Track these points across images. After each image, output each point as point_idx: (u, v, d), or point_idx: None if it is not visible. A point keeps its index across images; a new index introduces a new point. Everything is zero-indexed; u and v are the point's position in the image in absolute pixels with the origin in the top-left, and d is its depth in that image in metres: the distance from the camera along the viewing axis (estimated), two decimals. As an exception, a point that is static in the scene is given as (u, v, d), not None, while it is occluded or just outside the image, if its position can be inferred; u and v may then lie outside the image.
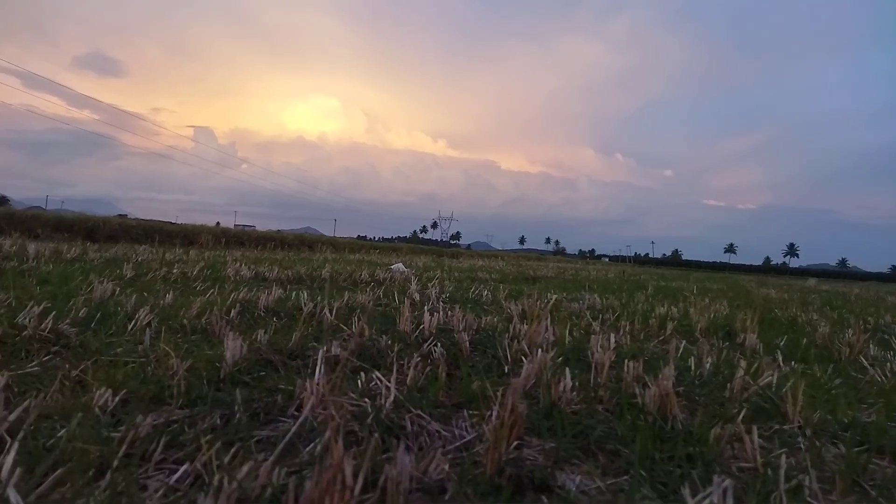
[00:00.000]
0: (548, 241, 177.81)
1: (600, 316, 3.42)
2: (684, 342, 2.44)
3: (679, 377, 1.81)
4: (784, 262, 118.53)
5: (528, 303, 3.63)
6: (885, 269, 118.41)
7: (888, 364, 2.44)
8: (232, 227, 21.97)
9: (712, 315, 3.66)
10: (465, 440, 1.17)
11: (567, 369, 1.52)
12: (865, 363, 2.28)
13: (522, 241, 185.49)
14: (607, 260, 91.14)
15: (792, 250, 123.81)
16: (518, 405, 1.12)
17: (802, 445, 1.28)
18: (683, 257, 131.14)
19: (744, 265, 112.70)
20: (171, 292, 3.03)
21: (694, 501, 0.85)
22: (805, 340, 2.94)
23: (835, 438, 1.37)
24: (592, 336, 2.07)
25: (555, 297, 4.60)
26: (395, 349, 1.93)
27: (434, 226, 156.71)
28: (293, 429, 1.12)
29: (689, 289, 8.64)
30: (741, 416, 1.36)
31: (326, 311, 2.71)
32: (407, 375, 1.55)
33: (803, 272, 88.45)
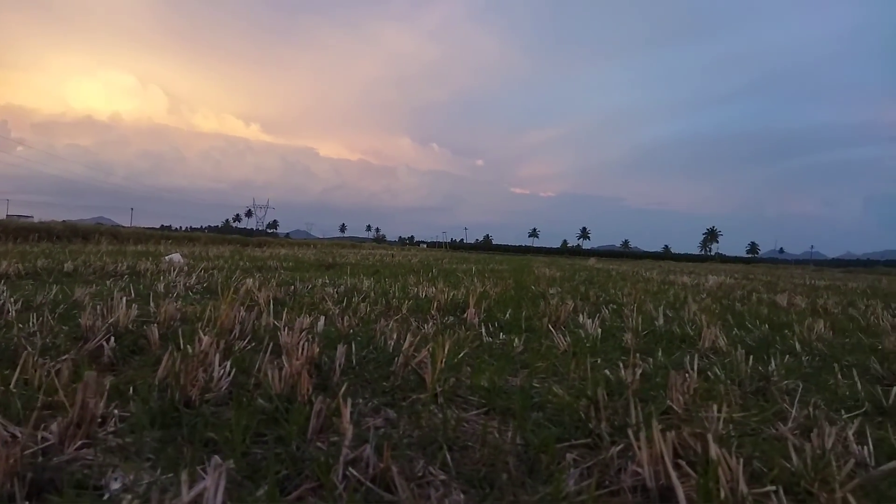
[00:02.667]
0: (368, 228, 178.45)
1: (345, 299, 3.44)
2: (392, 321, 2.51)
3: (364, 356, 1.84)
4: (578, 245, 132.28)
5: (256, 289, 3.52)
6: (659, 248, 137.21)
7: (580, 331, 2.75)
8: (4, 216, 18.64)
9: (458, 294, 3.86)
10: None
11: (217, 355, 1.45)
12: (553, 332, 2.53)
13: (343, 228, 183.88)
14: (425, 246, 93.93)
15: (584, 234, 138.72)
16: (89, 401, 1.01)
17: (424, 411, 1.34)
18: (494, 242, 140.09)
19: (545, 248, 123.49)
20: None
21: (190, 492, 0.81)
22: (524, 313, 3.22)
23: (465, 403, 1.47)
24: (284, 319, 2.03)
25: (319, 281, 4.55)
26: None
27: (248, 214, 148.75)
28: None
29: (477, 270, 9.20)
30: (389, 389, 1.40)
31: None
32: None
33: (593, 253, 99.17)
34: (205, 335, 1.83)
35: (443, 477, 1.01)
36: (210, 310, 2.32)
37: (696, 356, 2.28)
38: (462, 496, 0.96)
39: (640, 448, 0.95)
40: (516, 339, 2.41)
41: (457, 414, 1.37)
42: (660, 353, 2.35)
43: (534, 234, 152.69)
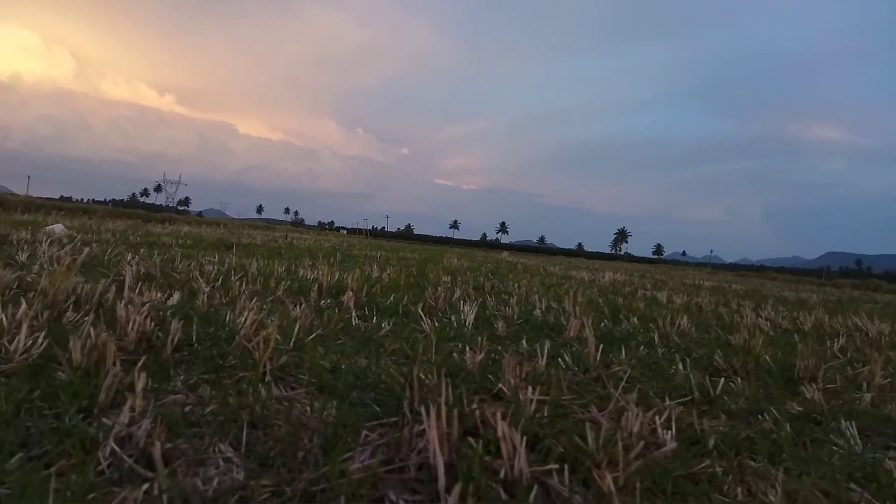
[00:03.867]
0: (287, 211, 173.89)
1: (221, 278, 3.31)
2: (263, 301, 2.44)
3: (210, 333, 1.77)
4: (497, 238, 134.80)
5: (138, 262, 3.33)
6: (573, 245, 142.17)
7: (454, 318, 2.77)
8: None
9: (346, 278, 3.80)
10: None
11: (25, 325, 1.33)
12: (423, 317, 2.53)
13: (260, 210, 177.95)
14: (345, 232, 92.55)
15: (503, 228, 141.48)
16: None
17: (248, 390, 1.30)
18: (416, 231, 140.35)
19: (465, 240, 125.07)
20: None
21: None
22: (407, 299, 3.21)
23: (295, 382, 1.44)
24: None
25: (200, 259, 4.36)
26: None
27: (158, 189, 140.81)
28: None
29: (386, 257, 9.15)
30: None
31: None
32: None
33: (510, 247, 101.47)
34: (31, 304, 1.69)
35: (229, 454, 0.97)
36: (47, 279, 2.15)
37: (552, 344, 2.36)
38: (242, 474, 0.92)
39: (429, 426, 0.95)
40: (385, 323, 2.40)
41: (281, 392, 1.34)
42: (524, 341, 2.41)
43: (455, 225, 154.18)
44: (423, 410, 0.96)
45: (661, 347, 2.66)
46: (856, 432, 1.44)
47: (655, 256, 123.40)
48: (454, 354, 1.77)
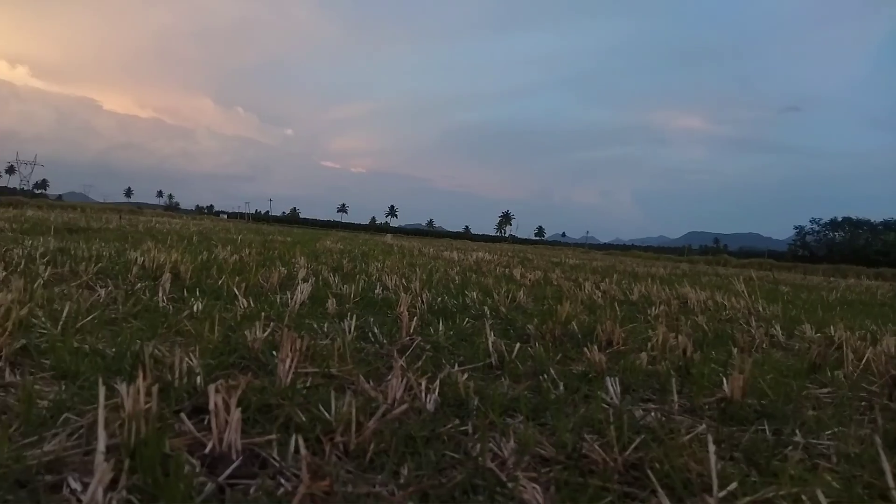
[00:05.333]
0: (160, 194, 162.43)
1: (23, 262, 2.99)
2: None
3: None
4: (386, 222, 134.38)
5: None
6: (461, 228, 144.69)
7: (279, 297, 2.68)
8: None
9: (181, 259, 3.58)
10: None
11: None
12: (240, 296, 2.43)
13: (129, 193, 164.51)
14: (226, 217, 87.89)
15: (392, 211, 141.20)
16: None
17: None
18: (301, 215, 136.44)
19: (353, 224, 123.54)
20: None
21: None
22: (240, 279, 3.07)
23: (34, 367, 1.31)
24: None
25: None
26: None
27: (10, 171, 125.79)
28: None
29: (258, 241, 8.78)
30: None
31: None
32: None
33: (400, 231, 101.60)
34: None
35: None
36: None
37: (379, 320, 2.36)
38: None
39: (126, 403, 0.88)
40: (197, 304, 2.27)
41: (14, 378, 1.20)
42: (350, 317, 2.38)
43: (343, 209, 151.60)
44: (123, 388, 0.89)
45: (487, 318, 2.74)
46: (618, 388, 1.54)
47: (537, 238, 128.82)
48: (246, 332, 1.70)
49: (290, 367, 1.24)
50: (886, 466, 0.91)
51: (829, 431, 1.33)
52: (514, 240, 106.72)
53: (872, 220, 59.78)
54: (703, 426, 1.29)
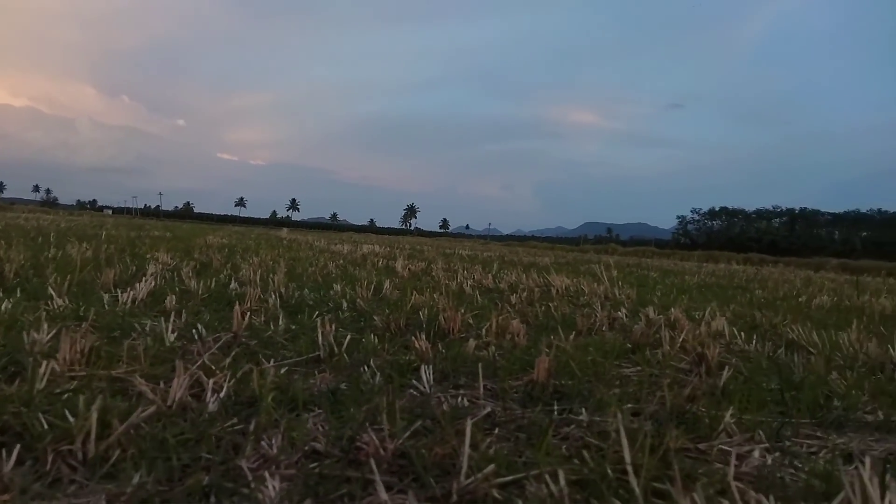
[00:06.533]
0: (37, 188, 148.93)
1: None
2: None
3: None
4: (288, 216, 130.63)
5: None
6: (366, 222, 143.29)
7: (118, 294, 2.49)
8: None
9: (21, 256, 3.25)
10: None
11: None
12: (55, 293, 2.23)
13: (1, 188, 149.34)
14: (110, 213, 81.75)
15: (294, 205, 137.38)
16: None
17: None
18: (196, 210, 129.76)
19: (253, 218, 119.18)
20: None
21: None
22: (79, 276, 2.83)
23: None
24: None
25: None
26: None
27: None
28: None
29: (130, 236, 8.19)
30: None
31: None
32: None
33: (302, 224, 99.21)
34: None
35: None
36: None
37: (217, 317, 2.24)
38: None
39: None
40: (5, 304, 2.05)
41: None
42: (181, 314, 2.24)
43: (241, 203, 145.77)
44: None
45: (346, 312, 2.69)
46: (431, 377, 1.54)
47: (442, 230, 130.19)
48: (26, 334, 1.54)
49: (46, 371, 1.12)
50: (625, 442, 0.95)
51: (616, 408, 1.39)
52: (419, 232, 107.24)
53: (746, 210, 65.37)
54: (489, 409, 1.31)
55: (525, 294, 3.72)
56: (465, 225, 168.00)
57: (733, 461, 1.00)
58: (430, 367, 1.56)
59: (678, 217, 68.38)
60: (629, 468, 0.89)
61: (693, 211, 67.37)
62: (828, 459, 1.18)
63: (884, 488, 0.73)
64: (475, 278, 4.68)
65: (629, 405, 1.45)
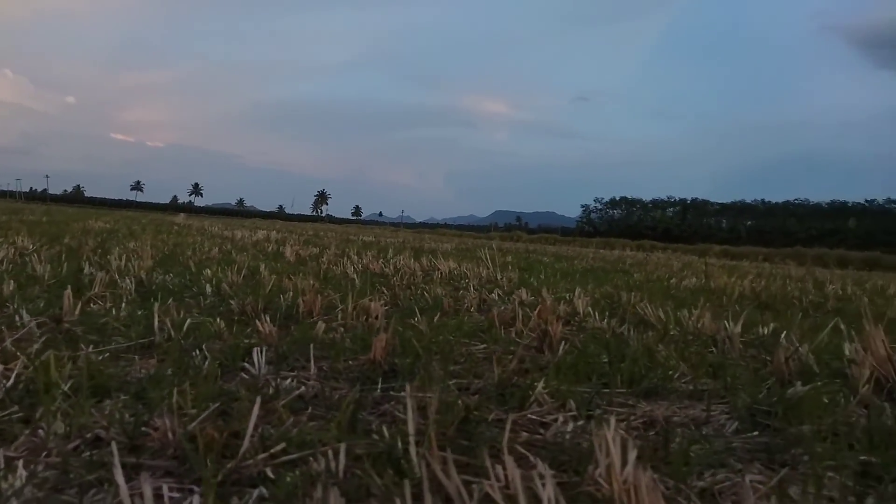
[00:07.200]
0: None
1: None
2: None
3: None
4: (190, 201, 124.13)
5: None
6: (275, 208, 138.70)
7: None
8: None
9: None
10: None
11: None
12: None
13: None
14: (-10, 196, 74.11)
15: (197, 190, 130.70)
16: None
17: None
18: (87, 194, 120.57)
19: (151, 203, 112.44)
20: None
21: None
22: None
23: None
24: None
25: None
26: None
27: None
28: None
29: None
30: None
31: None
32: None
33: (206, 211, 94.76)
34: None
35: None
36: None
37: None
38: None
39: None
40: None
41: None
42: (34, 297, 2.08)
43: (138, 187, 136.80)
44: None
45: (210, 297, 2.58)
46: (264, 359, 1.49)
47: (355, 218, 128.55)
48: None
49: None
50: (410, 414, 0.96)
51: (440, 384, 1.41)
52: (330, 219, 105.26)
53: (644, 199, 69.04)
54: (303, 389, 1.29)
55: (407, 278, 3.72)
56: (378, 212, 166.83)
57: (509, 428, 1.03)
58: (265, 349, 1.52)
59: (582, 206, 71.31)
60: (411, 439, 0.90)
61: (596, 200, 70.46)
62: (633, 426, 1.26)
63: (625, 448, 0.77)
64: (364, 263, 4.63)
65: (461, 380, 1.48)
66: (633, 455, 0.78)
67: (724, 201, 65.76)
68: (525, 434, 1.16)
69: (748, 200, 64.78)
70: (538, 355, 1.81)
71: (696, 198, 66.59)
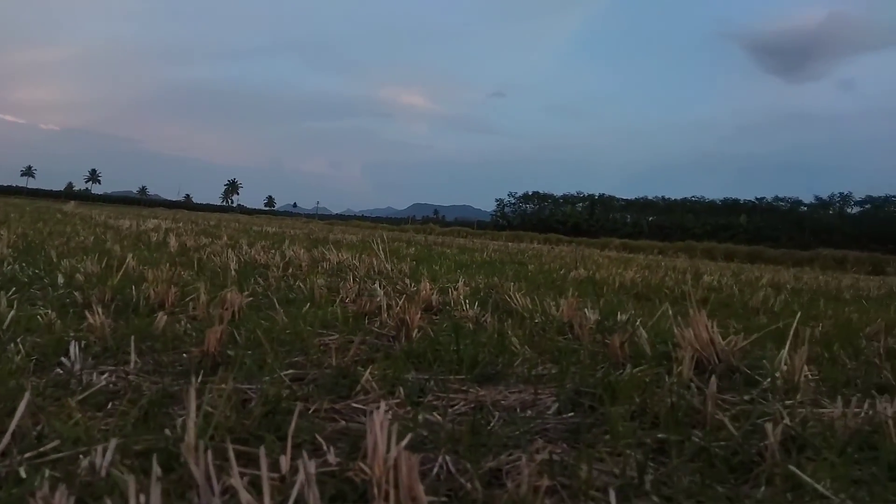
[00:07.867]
0: None
1: None
2: None
3: None
4: (87, 189, 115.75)
5: None
6: (181, 197, 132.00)
7: None
8: None
9: None
10: None
11: None
12: None
13: None
14: None
15: (94, 176, 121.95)
16: None
17: None
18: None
19: (44, 190, 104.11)
20: None
21: None
22: None
23: None
24: None
25: None
26: None
27: None
28: None
29: None
30: None
31: None
32: None
33: (104, 199, 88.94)
34: None
35: None
36: None
37: None
38: None
39: None
40: None
41: None
42: None
43: (29, 172, 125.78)
44: None
45: (62, 289, 2.40)
46: (83, 354, 1.40)
47: (267, 208, 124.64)
48: None
49: None
50: (192, 407, 0.92)
51: (270, 373, 1.37)
52: (242, 210, 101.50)
53: (555, 195, 71.34)
54: (105, 383, 1.22)
55: (291, 269, 3.63)
56: (292, 203, 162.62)
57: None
58: (92, 342, 1.42)
59: (497, 201, 72.74)
60: (191, 430, 0.85)
61: (510, 195, 72.08)
62: (458, 411, 1.27)
63: (390, 435, 0.77)
64: (251, 254, 4.48)
65: (299, 371, 1.44)
66: (401, 441, 0.78)
67: (630, 197, 69.17)
68: (343, 423, 1.14)
69: (650, 197, 68.46)
70: (391, 344, 1.81)
71: (604, 194, 69.65)
